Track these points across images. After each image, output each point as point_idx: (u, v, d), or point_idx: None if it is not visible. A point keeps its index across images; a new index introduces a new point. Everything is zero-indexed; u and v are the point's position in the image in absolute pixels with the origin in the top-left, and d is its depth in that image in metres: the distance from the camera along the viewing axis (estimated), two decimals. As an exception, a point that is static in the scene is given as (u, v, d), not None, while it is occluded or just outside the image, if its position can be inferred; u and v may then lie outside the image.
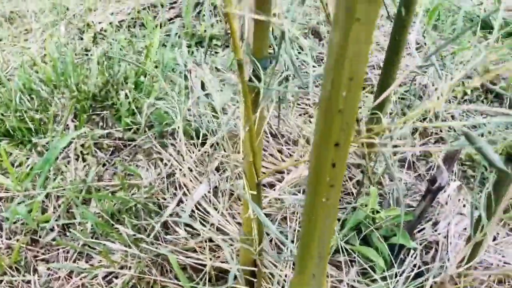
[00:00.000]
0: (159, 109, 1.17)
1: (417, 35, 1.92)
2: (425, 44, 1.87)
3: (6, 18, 2.30)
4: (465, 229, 1.11)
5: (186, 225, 1.02)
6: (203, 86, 1.10)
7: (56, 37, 1.88)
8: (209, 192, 0.96)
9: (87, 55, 1.73)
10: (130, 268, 1.02)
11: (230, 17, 0.46)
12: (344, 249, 0.86)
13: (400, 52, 0.88)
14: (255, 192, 0.62)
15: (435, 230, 1.00)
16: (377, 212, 0.86)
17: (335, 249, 0.86)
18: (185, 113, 1.08)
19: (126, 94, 1.38)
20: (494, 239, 1.25)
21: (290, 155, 1.13)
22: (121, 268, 1.03)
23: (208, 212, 0.96)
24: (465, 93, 1.71)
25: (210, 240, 0.93)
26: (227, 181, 0.98)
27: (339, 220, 0.91)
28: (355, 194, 0.97)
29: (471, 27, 0.58)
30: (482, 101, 1.70)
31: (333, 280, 0.84)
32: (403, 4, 0.81)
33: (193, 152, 1.06)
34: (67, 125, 1.35)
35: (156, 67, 1.56)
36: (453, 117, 1.61)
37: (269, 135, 1.09)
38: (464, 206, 1.21)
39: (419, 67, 0.66)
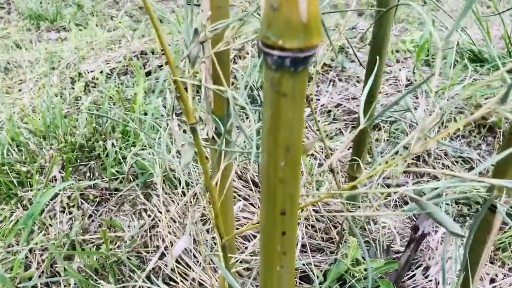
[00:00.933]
0: (143, 159, 1.17)
1: (408, 71, 1.93)
2: (415, 80, 1.88)
3: (2, 69, 2.34)
4: (459, 271, 1.08)
5: (170, 278, 1.00)
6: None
7: (48, 87, 1.90)
8: (190, 244, 0.94)
9: (77, 104, 1.75)
10: (112, 326, 0.99)
11: (179, 85, 0.45)
12: (325, 304, 0.83)
13: (374, 98, 0.87)
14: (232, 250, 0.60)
15: (426, 277, 0.96)
16: (361, 263, 0.84)
17: (317, 304, 0.83)
18: (169, 163, 1.07)
19: (112, 144, 1.37)
20: (493, 281, 1.21)
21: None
22: (104, 326, 1.00)
23: (190, 266, 0.93)
24: (458, 128, 1.69)
25: (192, 295, 0.90)
26: (208, 232, 0.96)
27: (321, 271, 0.88)
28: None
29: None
30: (475, 136, 1.69)
31: None
32: (372, 53, 0.81)
33: (176, 202, 1.05)
34: (54, 176, 1.35)
35: (145, 114, 1.57)
36: (446, 154, 1.59)
37: (251, 184, 1.07)
38: (459, 247, 1.17)
39: (387, 108, 0.64)
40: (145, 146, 1.28)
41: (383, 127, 1.58)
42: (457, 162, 1.56)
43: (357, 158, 0.88)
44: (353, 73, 1.87)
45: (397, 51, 2.16)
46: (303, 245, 0.95)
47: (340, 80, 1.84)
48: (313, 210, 1.00)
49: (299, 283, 0.89)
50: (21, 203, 1.26)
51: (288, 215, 0.39)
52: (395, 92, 1.76)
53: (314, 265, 0.90)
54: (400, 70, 1.92)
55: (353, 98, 1.70)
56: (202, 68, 0.54)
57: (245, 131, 0.44)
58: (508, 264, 1.26)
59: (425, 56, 2.09)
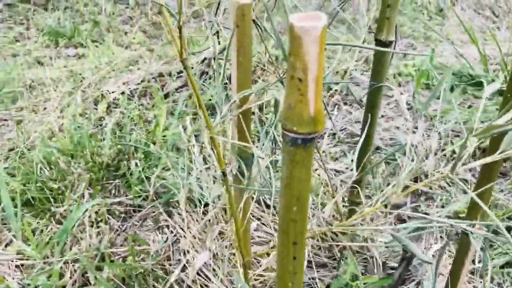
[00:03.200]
0: (164, 180, 1.30)
1: (408, 95, 2.06)
2: (415, 104, 2.00)
3: (27, 87, 2.48)
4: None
5: (190, 289, 1.13)
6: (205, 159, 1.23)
7: (73, 107, 2.04)
8: (210, 259, 1.07)
9: (101, 125, 1.89)
10: (139, 330, 1.12)
11: (214, 140, 0.58)
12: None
13: (370, 143, 0.99)
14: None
15: (418, 290, 1.08)
16: (359, 278, 0.96)
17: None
18: (188, 183, 1.20)
19: (136, 164, 1.51)
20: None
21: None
22: (131, 330, 1.13)
23: (209, 279, 1.06)
24: (454, 152, 1.81)
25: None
26: (226, 248, 1.09)
27: (325, 284, 1.00)
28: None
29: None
30: (473, 157, 1.80)
31: None
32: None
33: (197, 220, 1.18)
34: (83, 193, 1.48)
35: (164, 136, 1.71)
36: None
37: (263, 206, 1.20)
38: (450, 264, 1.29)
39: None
40: (167, 167, 1.42)
41: (383, 149, 1.70)
42: (452, 183, 1.68)
43: (357, 186, 1.00)
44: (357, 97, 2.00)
45: (399, 74, 2.29)
46: (309, 261, 1.08)
47: (345, 103, 1.97)
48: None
49: (305, 295, 1.02)
50: (54, 218, 1.40)
51: (298, 244, 0.52)
52: (396, 116, 1.89)
53: (319, 279, 1.02)
54: (401, 94, 2.04)
55: (356, 122, 1.83)
56: (231, 123, 0.67)
57: (263, 174, 0.57)
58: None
59: (425, 80, 2.21)
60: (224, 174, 0.61)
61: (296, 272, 0.55)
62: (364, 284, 0.94)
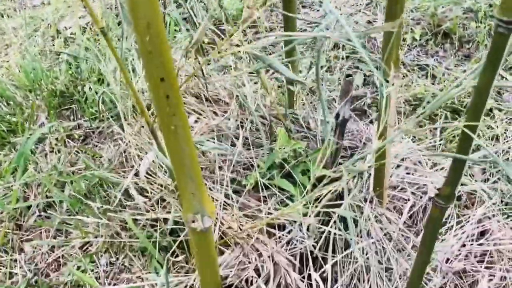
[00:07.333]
0: (112, 94, 1.30)
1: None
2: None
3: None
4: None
5: (143, 190, 1.15)
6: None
7: (33, 47, 2.01)
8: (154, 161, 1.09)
9: (58, 58, 1.86)
10: (102, 236, 1.16)
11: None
12: (264, 185, 0.97)
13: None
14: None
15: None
16: (299, 155, 0.97)
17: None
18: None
19: (90, 88, 1.51)
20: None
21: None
22: (95, 237, 1.16)
23: (157, 175, 1.09)
24: (414, 39, 1.78)
25: (162, 199, 1.06)
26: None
27: (263, 162, 1.02)
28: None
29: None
30: (434, 43, 1.77)
31: (253, 210, 0.97)
32: None
33: (143, 126, 1.19)
34: (43, 122, 1.49)
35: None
36: (403, 63, 1.69)
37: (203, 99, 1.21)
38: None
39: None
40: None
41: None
42: (413, 69, 1.67)
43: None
44: None
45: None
46: (249, 144, 1.09)
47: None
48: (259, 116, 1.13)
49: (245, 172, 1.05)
50: (14, 149, 1.41)
51: (166, 80, 0.52)
52: (355, 12, 1.84)
53: (255, 158, 1.04)
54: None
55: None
56: None
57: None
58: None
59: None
60: (103, 33, 0.60)
61: (174, 113, 0.55)
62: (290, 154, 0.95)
